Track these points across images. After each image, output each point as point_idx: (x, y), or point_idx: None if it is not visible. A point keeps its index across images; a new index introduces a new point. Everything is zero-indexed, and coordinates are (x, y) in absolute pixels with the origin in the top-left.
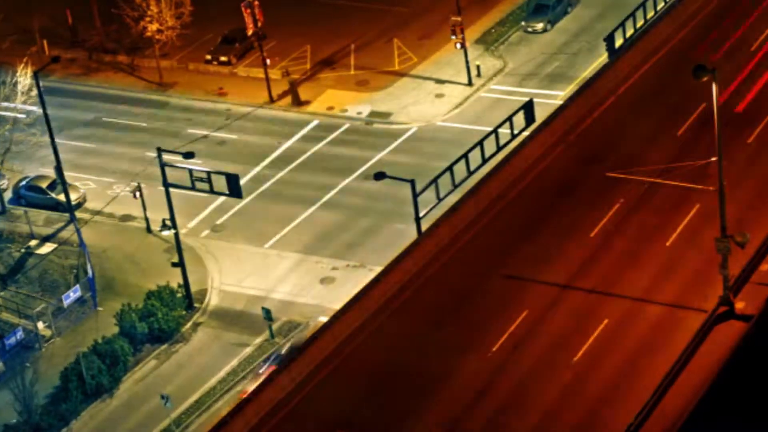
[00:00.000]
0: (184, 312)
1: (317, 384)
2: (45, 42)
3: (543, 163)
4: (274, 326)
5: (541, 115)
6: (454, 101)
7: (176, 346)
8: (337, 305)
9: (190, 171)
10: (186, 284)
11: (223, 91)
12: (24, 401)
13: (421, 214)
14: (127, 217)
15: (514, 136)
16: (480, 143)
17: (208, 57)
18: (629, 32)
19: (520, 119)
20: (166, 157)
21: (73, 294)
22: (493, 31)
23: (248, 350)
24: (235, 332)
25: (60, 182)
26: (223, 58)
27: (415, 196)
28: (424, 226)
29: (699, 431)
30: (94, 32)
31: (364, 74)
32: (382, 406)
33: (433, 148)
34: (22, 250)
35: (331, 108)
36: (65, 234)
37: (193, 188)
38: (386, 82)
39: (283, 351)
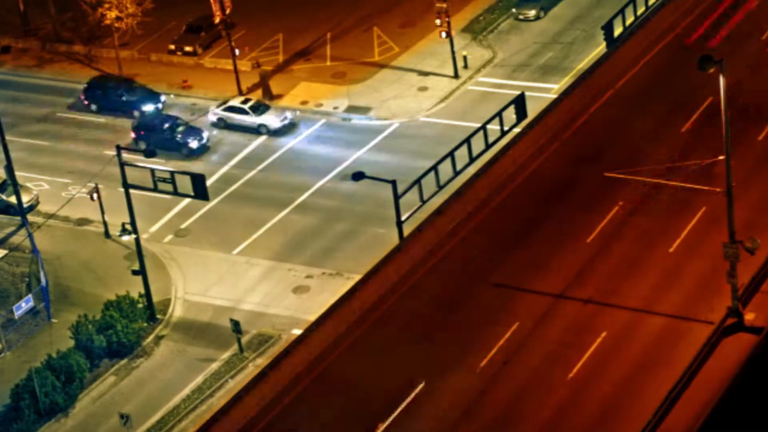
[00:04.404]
0: (145, 324)
1: (290, 402)
2: None
3: (535, 162)
4: (244, 339)
5: (533, 110)
6: (438, 95)
7: (137, 361)
8: (312, 317)
9: (152, 171)
10: (147, 294)
11: (187, 83)
12: None
13: (403, 218)
14: (83, 221)
15: (504, 133)
16: (467, 141)
17: (172, 47)
18: (629, 20)
19: (510, 114)
20: (125, 155)
21: (24, 304)
22: (481, 18)
23: (215, 366)
24: (201, 346)
25: (10, 183)
26: (187, 48)
27: (397, 198)
28: (407, 231)
29: None
30: (47, 20)
31: (341, 65)
32: (360, 427)
33: (416, 146)
34: None
35: (305, 102)
36: (16, 239)
37: (155, 189)
38: (365, 74)
39: None
